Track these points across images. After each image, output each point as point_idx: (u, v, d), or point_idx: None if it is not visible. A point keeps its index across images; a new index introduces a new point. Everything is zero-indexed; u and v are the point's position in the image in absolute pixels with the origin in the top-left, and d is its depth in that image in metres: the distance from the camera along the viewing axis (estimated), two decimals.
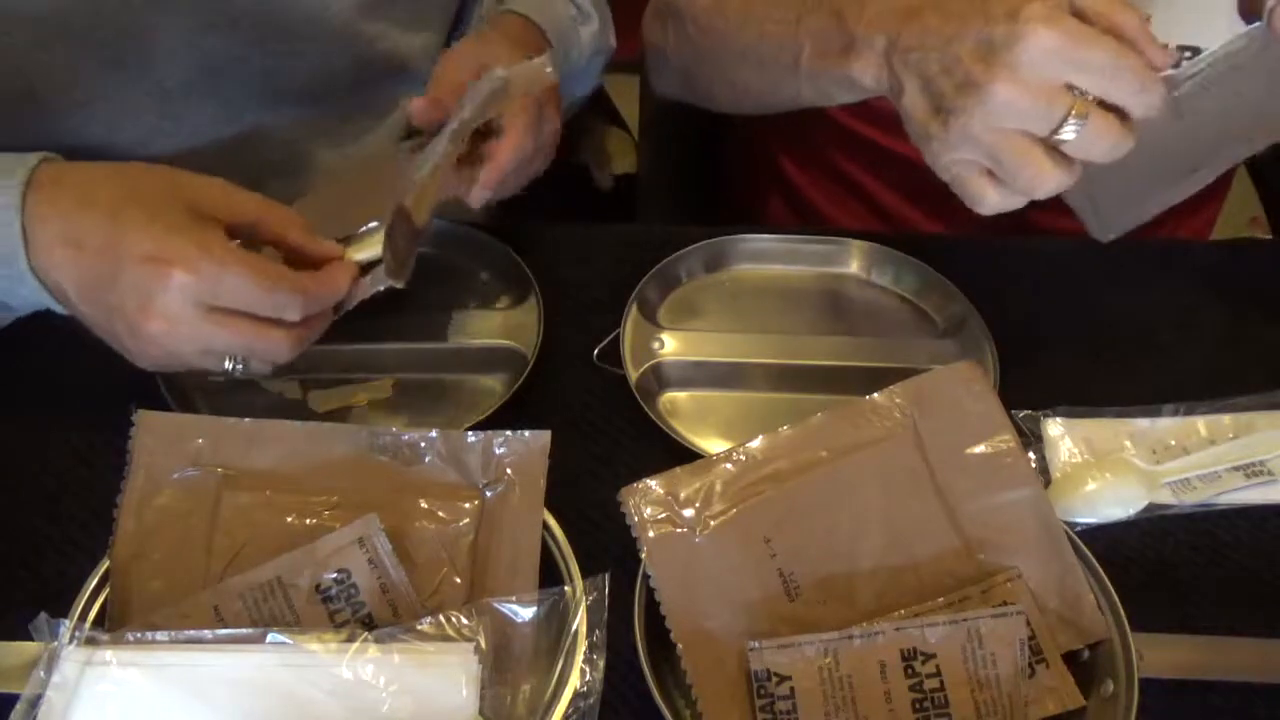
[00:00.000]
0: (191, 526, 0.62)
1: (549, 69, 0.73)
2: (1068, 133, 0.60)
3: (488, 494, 0.64)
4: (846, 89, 0.74)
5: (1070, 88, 0.59)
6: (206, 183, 0.65)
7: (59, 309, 0.65)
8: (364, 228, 0.69)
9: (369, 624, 0.60)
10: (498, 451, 0.65)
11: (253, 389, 0.74)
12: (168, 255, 0.60)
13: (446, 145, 0.69)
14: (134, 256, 0.60)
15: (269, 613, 0.59)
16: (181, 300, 0.60)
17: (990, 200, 0.63)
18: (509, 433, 0.65)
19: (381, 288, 0.67)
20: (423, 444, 0.65)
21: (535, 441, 0.65)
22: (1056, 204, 0.83)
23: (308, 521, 0.63)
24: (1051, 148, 0.60)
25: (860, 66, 0.69)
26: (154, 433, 0.63)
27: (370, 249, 0.69)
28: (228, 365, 0.65)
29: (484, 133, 0.76)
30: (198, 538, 0.62)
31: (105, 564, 0.61)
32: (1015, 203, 0.63)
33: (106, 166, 0.65)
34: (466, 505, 0.64)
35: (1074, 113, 0.59)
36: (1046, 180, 0.61)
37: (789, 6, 0.77)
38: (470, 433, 0.65)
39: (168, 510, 0.62)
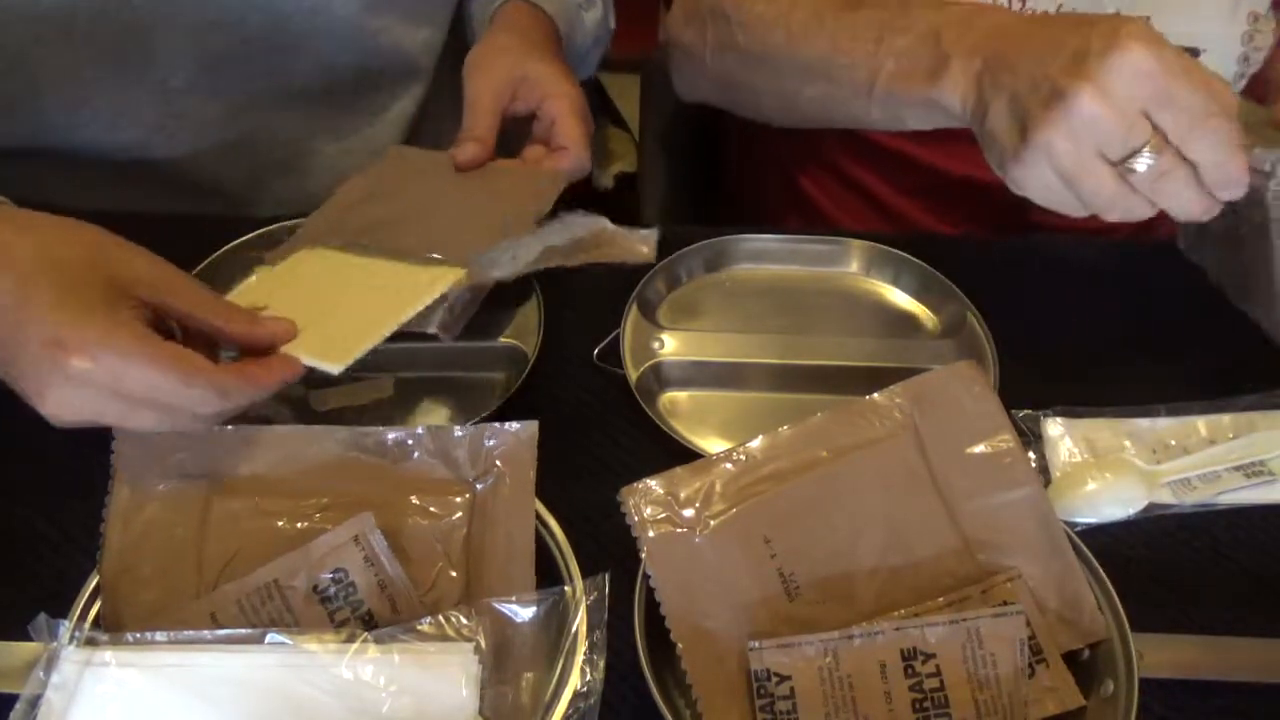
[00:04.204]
0: (181, 537, 0.61)
1: (645, 249, 0.72)
2: (1140, 163, 0.60)
3: (478, 487, 0.64)
4: (924, 113, 0.72)
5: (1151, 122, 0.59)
6: (136, 256, 0.59)
7: None
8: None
9: (369, 621, 0.60)
10: (486, 444, 0.64)
11: None
12: (69, 343, 0.55)
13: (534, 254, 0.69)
14: (35, 339, 0.55)
15: (267, 616, 0.59)
16: (75, 389, 0.56)
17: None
18: (497, 425, 0.64)
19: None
20: (410, 441, 0.64)
21: (523, 432, 0.64)
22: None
23: (299, 525, 0.62)
24: (1122, 176, 0.60)
25: (950, 88, 0.68)
26: (136, 443, 0.62)
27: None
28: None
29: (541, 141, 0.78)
30: (188, 548, 0.61)
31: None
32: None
33: (29, 224, 0.59)
34: (457, 499, 0.64)
35: (1150, 146, 0.59)
36: (1115, 206, 0.61)
37: (870, 24, 0.75)
38: (458, 427, 0.65)
39: (155, 522, 0.61)
